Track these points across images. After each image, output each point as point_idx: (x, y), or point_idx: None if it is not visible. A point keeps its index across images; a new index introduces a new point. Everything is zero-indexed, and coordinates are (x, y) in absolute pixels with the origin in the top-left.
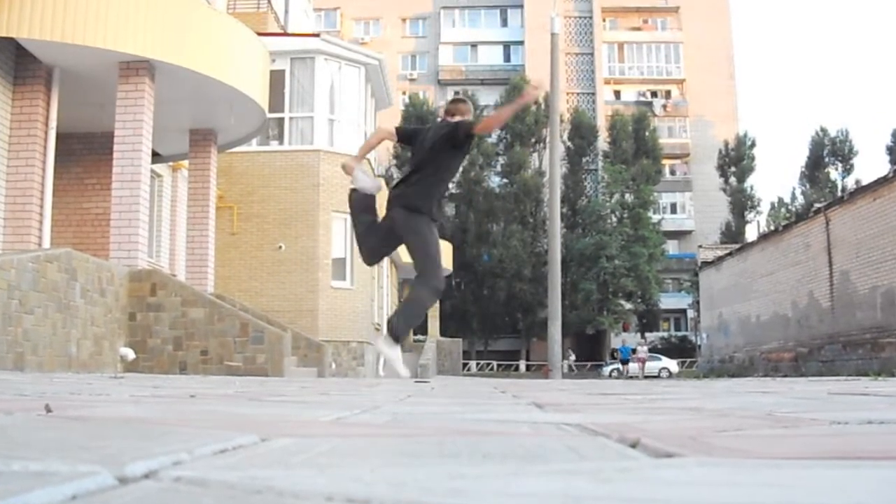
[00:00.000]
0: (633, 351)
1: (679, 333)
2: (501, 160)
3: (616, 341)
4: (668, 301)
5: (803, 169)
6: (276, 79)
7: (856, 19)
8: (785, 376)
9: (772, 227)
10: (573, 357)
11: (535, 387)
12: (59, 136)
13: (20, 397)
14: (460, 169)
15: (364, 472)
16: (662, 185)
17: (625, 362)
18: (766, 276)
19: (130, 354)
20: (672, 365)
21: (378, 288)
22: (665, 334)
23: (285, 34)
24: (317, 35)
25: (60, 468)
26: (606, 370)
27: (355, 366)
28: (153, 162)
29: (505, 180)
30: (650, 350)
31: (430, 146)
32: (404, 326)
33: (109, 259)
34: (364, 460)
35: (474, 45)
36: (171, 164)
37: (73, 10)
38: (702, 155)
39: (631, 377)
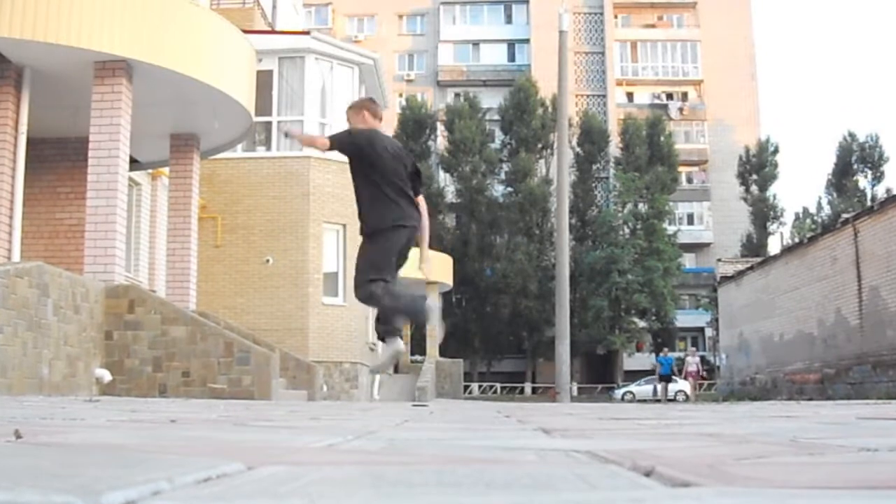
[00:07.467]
0: (675, 369)
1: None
2: (505, 167)
3: (629, 362)
4: (685, 319)
5: (830, 177)
6: (264, 80)
7: (888, 16)
8: (810, 399)
9: (796, 240)
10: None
11: (542, 411)
12: (29, 142)
13: None
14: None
15: (357, 503)
16: (678, 194)
17: (666, 379)
18: (789, 291)
19: (107, 376)
20: (689, 387)
21: None
22: (681, 354)
23: (273, 32)
24: (307, 33)
25: (32, 498)
26: (618, 393)
27: (348, 388)
28: (131, 169)
29: (509, 189)
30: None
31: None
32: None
33: (84, 273)
34: (357, 490)
35: (476, 44)
36: (150, 171)
37: (45, 5)
38: (721, 162)
39: (671, 400)
